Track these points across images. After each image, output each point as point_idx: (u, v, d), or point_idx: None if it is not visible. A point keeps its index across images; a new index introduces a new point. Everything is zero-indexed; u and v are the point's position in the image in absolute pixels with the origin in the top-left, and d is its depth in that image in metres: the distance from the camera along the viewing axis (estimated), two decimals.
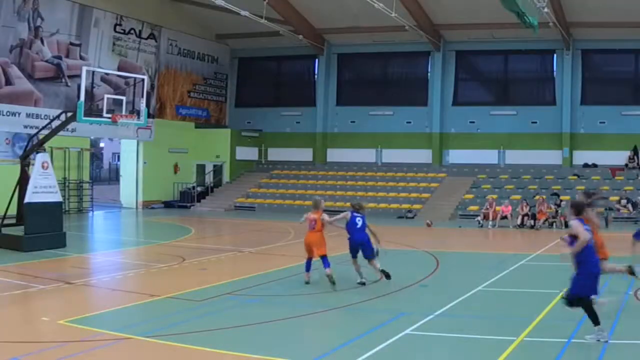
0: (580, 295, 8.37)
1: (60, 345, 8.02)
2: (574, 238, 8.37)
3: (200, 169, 35.00)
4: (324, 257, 12.11)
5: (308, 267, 12.47)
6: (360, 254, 12.30)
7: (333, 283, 11.87)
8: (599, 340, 8.20)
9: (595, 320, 8.29)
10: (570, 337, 8.49)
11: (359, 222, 12.31)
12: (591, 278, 8.35)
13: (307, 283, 12.35)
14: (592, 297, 8.34)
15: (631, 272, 10.92)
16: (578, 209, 8.69)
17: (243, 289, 11.72)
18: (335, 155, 34.93)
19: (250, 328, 9.10)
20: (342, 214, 12.52)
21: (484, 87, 34.61)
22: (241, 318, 9.66)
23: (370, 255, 12.25)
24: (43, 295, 11.13)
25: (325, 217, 12.35)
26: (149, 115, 26.23)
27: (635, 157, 29.39)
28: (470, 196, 28.82)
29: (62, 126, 17.57)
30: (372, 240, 12.35)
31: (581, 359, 7.77)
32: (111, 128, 24.36)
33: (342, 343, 8.30)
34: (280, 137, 35.76)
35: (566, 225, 24.05)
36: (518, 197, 26.97)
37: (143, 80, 18.30)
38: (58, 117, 17.95)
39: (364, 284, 12.23)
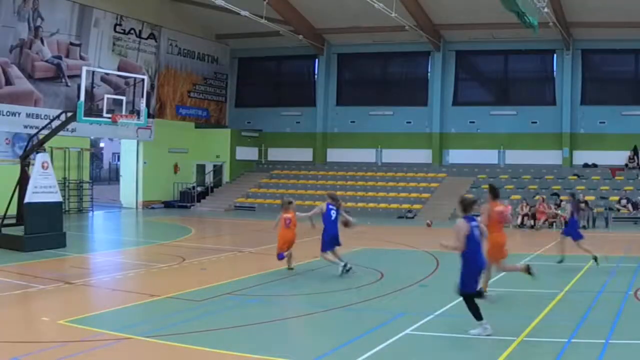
0: (472, 290, 8.66)
1: (60, 345, 8.01)
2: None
3: (200, 169, 35.00)
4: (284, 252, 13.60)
5: (282, 257, 13.57)
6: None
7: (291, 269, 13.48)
8: (480, 335, 8.47)
9: (478, 316, 8.58)
10: (570, 337, 8.49)
11: (334, 215, 13.23)
12: (474, 275, 8.65)
13: (291, 269, 13.60)
14: (486, 293, 8.77)
15: (528, 271, 10.89)
16: (464, 207, 8.90)
17: (243, 289, 11.71)
18: (335, 155, 34.93)
19: (250, 328, 9.09)
20: (317, 207, 13.53)
21: (484, 87, 34.62)
22: (241, 318, 9.65)
23: (338, 244, 13.35)
24: (43, 295, 11.13)
25: (299, 214, 13.64)
26: (149, 115, 26.23)
27: (635, 157, 29.39)
28: (470, 196, 28.75)
29: (62, 126, 17.56)
30: (345, 220, 13.46)
31: (581, 359, 7.76)
32: (111, 128, 24.41)
33: (342, 343, 8.30)
34: (280, 137, 35.76)
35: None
36: (518, 197, 26.97)
37: (143, 80, 18.30)
38: (58, 117, 17.95)
39: (350, 268, 13.03)
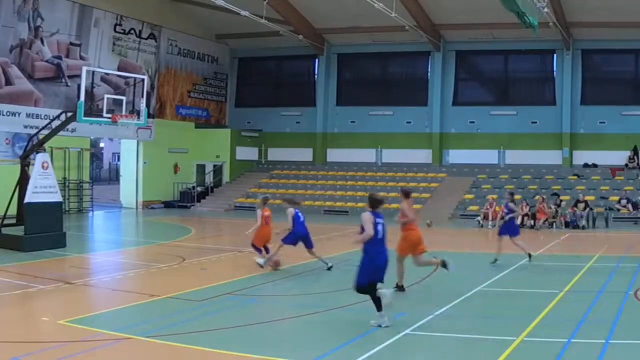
0: (364, 283, 9.11)
1: (60, 345, 8.01)
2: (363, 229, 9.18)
3: (200, 169, 34.99)
4: (267, 247, 14.29)
5: (261, 252, 14.19)
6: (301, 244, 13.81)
7: (262, 266, 13.77)
8: (380, 326, 8.94)
9: (379, 307, 9.05)
10: (570, 337, 8.49)
11: (302, 216, 13.90)
12: (373, 267, 9.10)
13: (278, 268, 13.87)
14: (378, 287, 9.12)
15: (444, 265, 11.48)
16: (372, 203, 9.50)
17: (243, 289, 11.72)
18: (335, 155, 34.93)
19: (250, 328, 9.09)
20: (289, 213, 13.85)
21: (484, 87, 34.61)
22: (241, 318, 9.65)
23: (312, 246, 13.83)
24: (43, 295, 11.13)
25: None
26: (149, 115, 26.22)
27: (635, 157, 29.39)
28: (470, 196, 28.82)
29: (62, 126, 17.56)
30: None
31: (581, 359, 7.76)
32: (111, 128, 24.38)
33: (342, 343, 8.30)
34: (280, 137, 35.76)
35: (566, 225, 24.21)
36: (518, 197, 26.92)
37: (143, 80, 18.30)
38: (58, 117, 17.94)
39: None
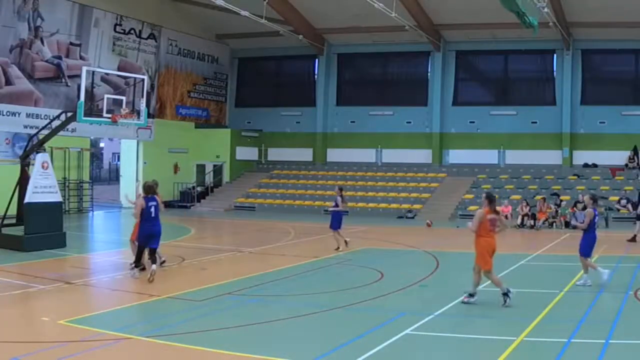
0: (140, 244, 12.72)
1: (60, 345, 8.01)
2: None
3: (200, 169, 35.00)
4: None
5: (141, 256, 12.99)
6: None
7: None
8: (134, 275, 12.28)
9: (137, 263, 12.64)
10: (570, 337, 8.49)
11: (153, 211, 12.58)
12: (142, 237, 12.55)
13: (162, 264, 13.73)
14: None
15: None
16: (145, 189, 12.70)
17: (243, 289, 11.71)
18: (335, 155, 34.93)
19: (250, 328, 9.10)
20: (138, 202, 12.77)
21: (484, 87, 34.61)
22: (241, 318, 9.65)
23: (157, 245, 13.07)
24: (43, 295, 11.13)
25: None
26: (149, 115, 26.22)
27: (635, 157, 29.39)
28: (470, 196, 28.82)
29: (62, 126, 17.55)
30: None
31: (581, 359, 7.76)
32: (111, 128, 24.41)
33: (342, 343, 8.30)
34: (280, 137, 35.76)
35: (566, 225, 24.20)
36: (518, 197, 26.97)
37: (143, 80, 18.28)
38: (58, 117, 17.93)
39: (144, 269, 12.86)
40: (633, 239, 19.21)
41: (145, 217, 12.46)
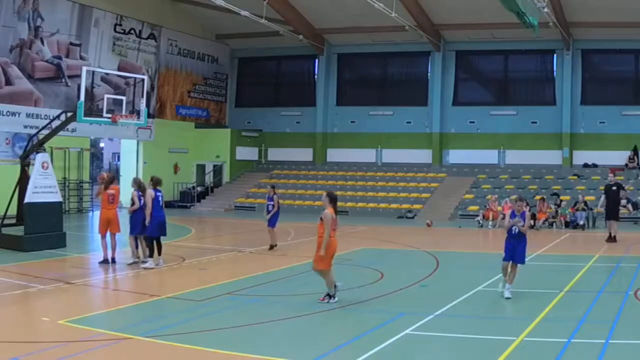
0: (149, 235, 13.64)
1: (60, 345, 8.01)
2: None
3: (200, 169, 35.00)
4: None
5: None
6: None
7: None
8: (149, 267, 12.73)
9: (151, 254, 13.50)
10: (570, 337, 8.49)
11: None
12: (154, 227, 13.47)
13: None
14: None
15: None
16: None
17: (243, 289, 11.71)
18: (335, 155, 34.93)
19: (250, 328, 9.09)
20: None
21: (484, 87, 34.59)
22: (241, 318, 9.65)
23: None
24: (43, 295, 11.13)
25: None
26: (149, 115, 26.23)
27: (635, 157, 29.39)
28: (470, 196, 28.82)
29: (62, 126, 17.54)
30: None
31: (581, 359, 7.76)
32: (111, 128, 24.41)
33: (342, 343, 8.30)
34: (280, 137, 35.76)
35: (567, 225, 24.20)
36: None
37: (143, 80, 18.28)
38: (58, 117, 17.93)
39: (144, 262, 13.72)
40: (612, 239, 19.16)
41: (155, 207, 13.38)
